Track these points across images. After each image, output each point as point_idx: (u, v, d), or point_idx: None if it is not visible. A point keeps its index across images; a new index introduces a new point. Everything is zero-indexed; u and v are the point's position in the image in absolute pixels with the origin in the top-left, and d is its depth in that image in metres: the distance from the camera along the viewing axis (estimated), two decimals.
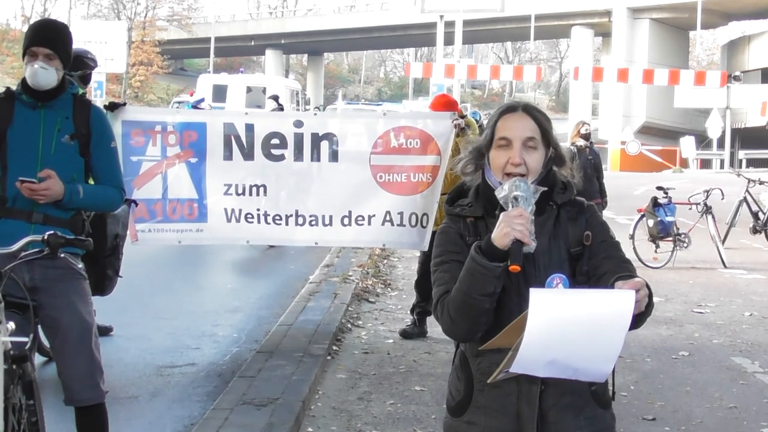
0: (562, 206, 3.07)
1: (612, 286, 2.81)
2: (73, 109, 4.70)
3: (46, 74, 4.60)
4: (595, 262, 3.01)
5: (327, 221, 8.22)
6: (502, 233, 2.81)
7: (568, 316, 2.66)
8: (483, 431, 3.02)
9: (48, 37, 4.65)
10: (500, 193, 2.92)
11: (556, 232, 3.03)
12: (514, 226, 2.79)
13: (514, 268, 2.79)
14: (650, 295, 2.82)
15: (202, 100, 25.54)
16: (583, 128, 13.81)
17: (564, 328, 2.66)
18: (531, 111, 3.08)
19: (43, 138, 4.61)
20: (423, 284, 8.92)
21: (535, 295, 2.66)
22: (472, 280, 2.85)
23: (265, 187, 8.19)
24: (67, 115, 4.67)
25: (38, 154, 4.58)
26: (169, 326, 9.18)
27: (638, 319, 2.78)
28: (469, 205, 3.09)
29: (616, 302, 2.67)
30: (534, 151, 3.02)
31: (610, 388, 3.17)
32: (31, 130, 4.60)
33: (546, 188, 2.99)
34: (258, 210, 8.19)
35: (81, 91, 5.06)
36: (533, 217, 2.87)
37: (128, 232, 6.16)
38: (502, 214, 2.87)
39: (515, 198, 2.87)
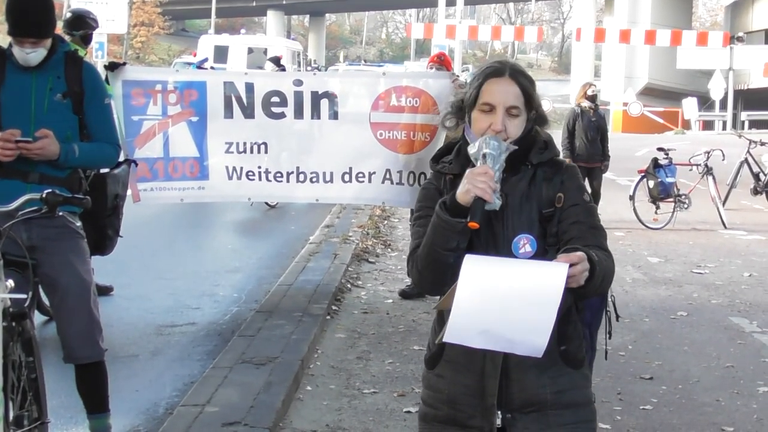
0: (539, 166, 3.03)
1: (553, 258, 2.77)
2: (65, 67, 4.66)
3: (35, 55, 4.56)
4: (564, 227, 2.97)
5: (328, 178, 8.24)
6: (464, 190, 2.83)
7: (498, 285, 2.64)
8: (449, 384, 3.05)
9: (32, 26, 4.51)
10: (472, 150, 2.93)
11: (529, 192, 3.00)
12: (476, 184, 2.80)
13: (473, 225, 2.79)
14: (593, 270, 2.76)
15: (206, 60, 25.44)
16: (589, 90, 13.86)
17: (494, 297, 2.64)
18: (517, 77, 3.03)
19: (35, 97, 4.58)
20: None
21: (467, 262, 2.67)
22: (435, 234, 2.88)
23: (266, 144, 8.21)
24: (58, 74, 4.64)
25: (31, 113, 4.56)
26: (170, 286, 9.21)
27: (585, 291, 2.78)
28: (450, 162, 3.09)
29: (547, 275, 2.64)
30: (516, 118, 3.00)
31: (605, 348, 3.18)
32: (23, 90, 4.57)
33: (516, 147, 2.95)
34: (259, 168, 8.21)
35: (74, 48, 5.00)
36: (500, 175, 2.86)
37: (130, 192, 6.17)
38: (467, 170, 2.88)
39: (484, 156, 2.87)
